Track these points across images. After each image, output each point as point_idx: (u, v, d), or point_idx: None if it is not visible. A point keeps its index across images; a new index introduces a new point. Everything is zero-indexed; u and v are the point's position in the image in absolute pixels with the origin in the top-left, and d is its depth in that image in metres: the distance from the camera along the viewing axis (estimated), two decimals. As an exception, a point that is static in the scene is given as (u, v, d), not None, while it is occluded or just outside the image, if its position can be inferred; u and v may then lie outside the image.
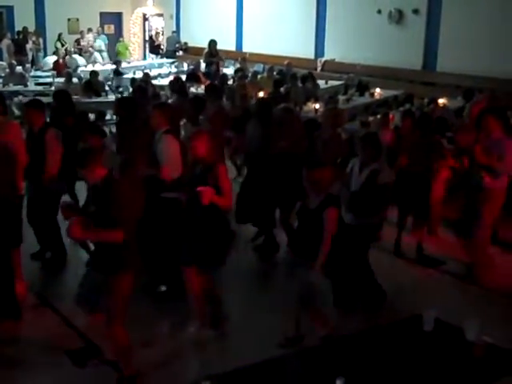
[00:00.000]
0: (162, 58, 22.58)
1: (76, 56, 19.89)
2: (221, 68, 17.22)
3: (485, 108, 7.11)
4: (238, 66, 17.23)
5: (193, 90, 14.37)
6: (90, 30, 22.67)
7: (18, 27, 21.34)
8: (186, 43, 23.57)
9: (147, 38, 25.71)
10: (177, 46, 23.34)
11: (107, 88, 14.73)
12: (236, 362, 4.65)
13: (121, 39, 23.31)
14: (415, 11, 16.99)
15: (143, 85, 11.88)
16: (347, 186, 5.97)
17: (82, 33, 22.41)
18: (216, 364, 4.95)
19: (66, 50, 20.79)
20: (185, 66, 18.22)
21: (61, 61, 18.14)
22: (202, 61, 17.52)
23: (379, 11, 17.63)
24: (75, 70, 17.21)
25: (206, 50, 17.59)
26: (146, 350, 5.17)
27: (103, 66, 19.19)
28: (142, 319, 5.52)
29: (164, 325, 5.80)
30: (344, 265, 5.36)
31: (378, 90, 14.37)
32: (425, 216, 7.29)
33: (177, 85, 10.96)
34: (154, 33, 25.16)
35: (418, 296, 6.31)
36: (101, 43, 22.22)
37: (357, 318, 5.79)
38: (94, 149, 4.87)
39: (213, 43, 17.52)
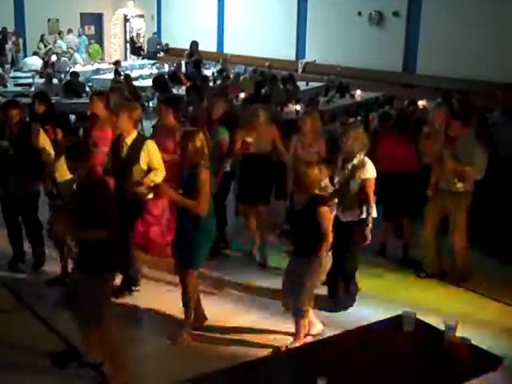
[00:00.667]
0: (143, 59, 22.51)
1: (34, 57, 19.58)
2: (202, 69, 17.22)
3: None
4: (218, 67, 17.24)
5: (174, 91, 14.37)
6: (70, 30, 22.53)
7: (-3, 28, 21.19)
8: (167, 44, 23.52)
9: (128, 39, 25.62)
10: (158, 47, 23.28)
11: (88, 89, 14.66)
12: (217, 363, 4.64)
13: (92, 41, 22.90)
14: (395, 14, 17.14)
15: (120, 85, 11.84)
16: (332, 183, 6.03)
17: (60, 33, 22.23)
18: (197, 366, 4.96)
19: (48, 51, 20.63)
20: (166, 68, 18.18)
21: (50, 62, 17.90)
22: (183, 62, 17.50)
23: (359, 13, 17.76)
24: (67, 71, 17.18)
25: (188, 51, 17.58)
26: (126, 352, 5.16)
27: (83, 66, 19.09)
28: (119, 320, 5.52)
29: (142, 326, 5.80)
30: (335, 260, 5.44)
31: (358, 91, 14.45)
32: (411, 215, 7.33)
33: (159, 83, 10.99)
34: (135, 34, 25.06)
35: (400, 297, 6.35)
36: (62, 44, 21.89)
37: (337, 319, 5.82)
38: (87, 144, 4.87)
39: (194, 44, 17.51)
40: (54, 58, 19.19)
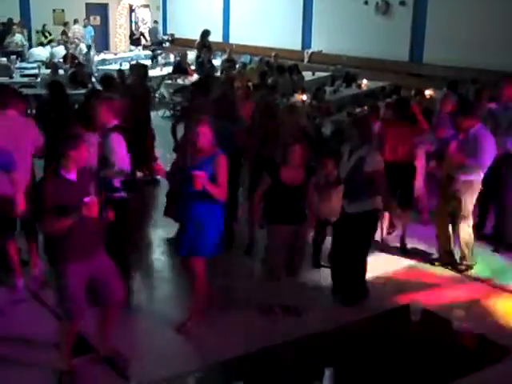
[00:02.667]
0: (143, 49, 22.26)
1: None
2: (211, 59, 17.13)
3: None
4: (224, 57, 17.17)
5: (180, 81, 14.40)
6: (76, 21, 22.42)
7: (3, 19, 21.08)
8: (172, 35, 23.44)
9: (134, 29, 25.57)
10: (162, 37, 23.19)
11: (93, 79, 14.65)
12: (227, 353, 4.66)
13: (37, 31, 21.81)
14: (402, 3, 17.02)
15: (110, 74, 11.71)
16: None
17: (66, 24, 22.08)
18: (208, 355, 4.97)
19: (49, 41, 20.52)
20: (172, 58, 18.14)
21: (70, 54, 17.71)
22: (189, 52, 17.41)
23: (366, 2, 17.65)
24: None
25: (198, 41, 17.35)
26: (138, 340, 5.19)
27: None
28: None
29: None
30: (344, 254, 5.44)
31: (364, 81, 14.40)
32: (408, 204, 7.32)
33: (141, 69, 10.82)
34: (133, 26, 25.03)
35: (405, 287, 6.34)
36: (18, 38, 21.00)
37: (345, 310, 5.81)
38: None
39: (206, 33, 17.25)
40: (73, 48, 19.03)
